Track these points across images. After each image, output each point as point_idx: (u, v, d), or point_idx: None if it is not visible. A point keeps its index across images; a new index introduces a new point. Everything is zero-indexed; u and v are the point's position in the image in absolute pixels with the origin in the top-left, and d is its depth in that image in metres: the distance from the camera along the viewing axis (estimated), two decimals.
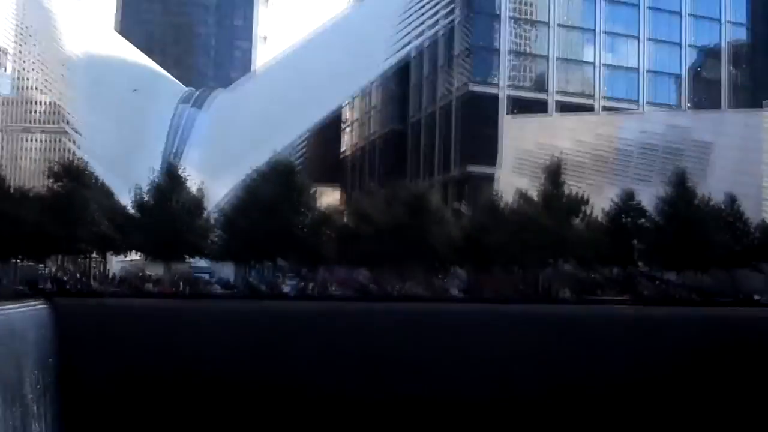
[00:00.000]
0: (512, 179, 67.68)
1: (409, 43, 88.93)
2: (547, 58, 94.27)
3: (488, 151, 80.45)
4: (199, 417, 35.81)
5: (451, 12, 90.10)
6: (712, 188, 56.37)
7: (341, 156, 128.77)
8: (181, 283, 52.46)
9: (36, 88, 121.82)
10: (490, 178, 76.75)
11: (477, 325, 39.97)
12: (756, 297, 53.05)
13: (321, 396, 36.74)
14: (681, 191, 53.63)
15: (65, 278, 51.60)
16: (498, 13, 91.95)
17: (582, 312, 44.06)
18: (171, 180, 52.91)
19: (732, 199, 57.17)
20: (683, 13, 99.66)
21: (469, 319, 40.34)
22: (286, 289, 52.86)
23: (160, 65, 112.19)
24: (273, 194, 50.40)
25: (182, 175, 53.79)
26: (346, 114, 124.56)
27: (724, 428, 39.69)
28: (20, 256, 54.26)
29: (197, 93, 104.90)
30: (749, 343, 41.58)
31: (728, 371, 40.30)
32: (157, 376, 35.64)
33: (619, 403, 39.25)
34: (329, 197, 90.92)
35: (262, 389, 36.50)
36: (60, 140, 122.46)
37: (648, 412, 39.46)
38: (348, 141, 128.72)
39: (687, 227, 51.16)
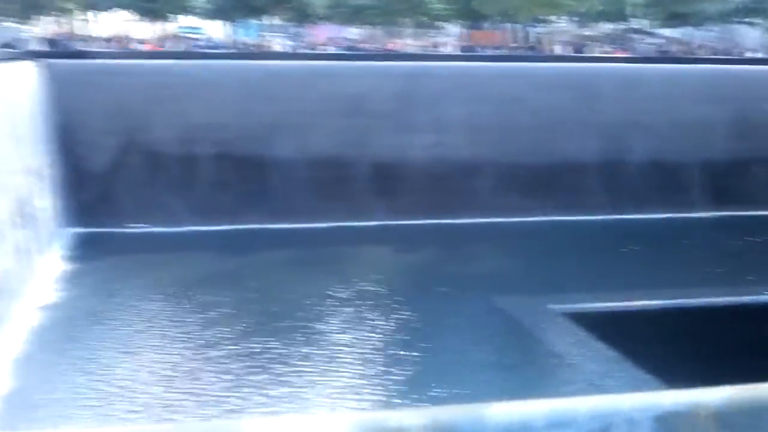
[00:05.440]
0: None
1: None
2: None
3: None
4: (196, 171, 36.20)
5: None
6: None
7: None
8: (172, 43, 51.83)
9: None
10: None
11: (468, 81, 39.69)
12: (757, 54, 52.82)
13: (318, 157, 36.99)
14: None
15: (52, 39, 50.76)
16: None
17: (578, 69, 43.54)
18: None
19: None
20: None
21: (461, 76, 40.02)
22: (276, 47, 52.32)
23: None
24: None
25: None
26: None
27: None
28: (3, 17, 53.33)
29: None
30: (748, 96, 41.62)
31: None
32: (158, 139, 35.75)
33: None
34: None
35: (269, 152, 36.60)
36: None
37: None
38: None
39: None
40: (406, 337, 23.15)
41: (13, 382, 19.44)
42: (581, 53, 51.80)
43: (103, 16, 62.12)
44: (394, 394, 19.59)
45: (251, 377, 20.33)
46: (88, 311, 24.82)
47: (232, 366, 20.99)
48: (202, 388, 19.72)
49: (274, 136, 36.92)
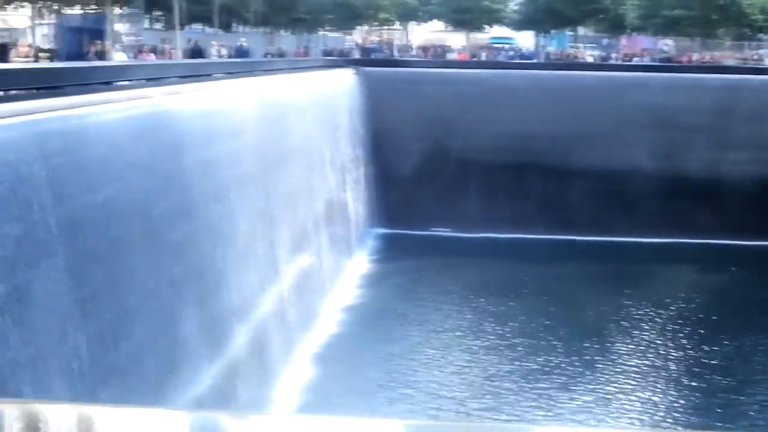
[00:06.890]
0: None
1: None
2: None
3: None
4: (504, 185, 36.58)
5: None
6: None
7: None
8: (481, 53, 52.82)
9: None
10: None
11: None
12: None
13: (620, 169, 36.27)
14: None
15: (369, 48, 53.25)
16: None
17: None
18: None
19: None
20: None
21: None
22: (587, 59, 51.86)
23: None
24: None
25: None
26: None
27: None
28: (327, 27, 56.76)
29: None
30: None
31: None
32: (463, 146, 36.47)
33: None
34: None
35: (571, 163, 36.35)
36: None
37: None
38: None
39: None
40: (711, 362, 22.16)
41: (318, 375, 20.56)
42: None
43: (418, 26, 64.45)
44: (697, 420, 18.80)
45: (541, 384, 20.42)
46: (392, 311, 25.82)
47: (526, 373, 21.15)
48: (500, 392, 20.09)
49: (577, 147, 36.60)
